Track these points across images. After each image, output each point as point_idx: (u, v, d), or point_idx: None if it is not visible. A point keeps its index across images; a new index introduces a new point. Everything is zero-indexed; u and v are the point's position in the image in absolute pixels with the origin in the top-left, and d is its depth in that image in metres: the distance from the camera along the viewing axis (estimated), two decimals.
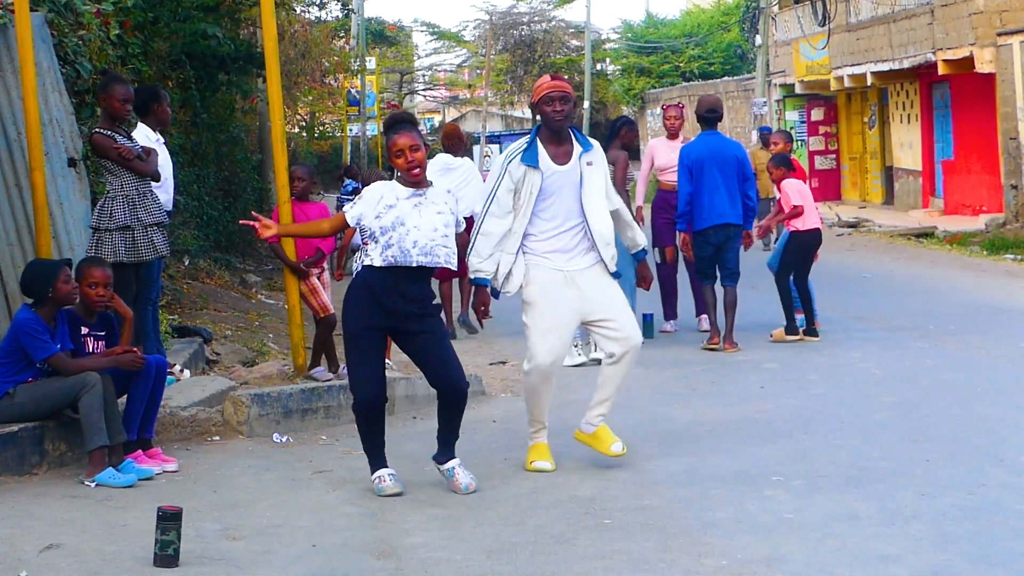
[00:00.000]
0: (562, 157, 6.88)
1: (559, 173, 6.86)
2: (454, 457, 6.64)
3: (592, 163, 6.88)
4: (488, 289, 6.91)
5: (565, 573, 5.22)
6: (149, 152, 8.22)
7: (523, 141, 6.98)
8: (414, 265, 6.43)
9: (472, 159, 13.71)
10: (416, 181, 6.54)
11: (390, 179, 6.79)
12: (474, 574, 5.24)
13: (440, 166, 12.01)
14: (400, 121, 6.65)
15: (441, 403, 6.65)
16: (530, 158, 6.85)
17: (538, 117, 6.98)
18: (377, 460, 6.60)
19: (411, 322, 6.49)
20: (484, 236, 6.88)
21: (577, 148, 6.90)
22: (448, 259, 6.53)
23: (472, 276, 6.94)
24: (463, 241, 6.86)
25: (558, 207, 6.86)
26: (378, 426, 6.58)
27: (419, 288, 6.52)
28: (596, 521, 5.92)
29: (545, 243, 6.89)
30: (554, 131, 6.88)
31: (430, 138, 47.26)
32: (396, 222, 6.44)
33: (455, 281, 12.25)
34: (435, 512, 6.16)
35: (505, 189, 6.85)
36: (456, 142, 12.48)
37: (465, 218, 11.75)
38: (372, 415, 6.53)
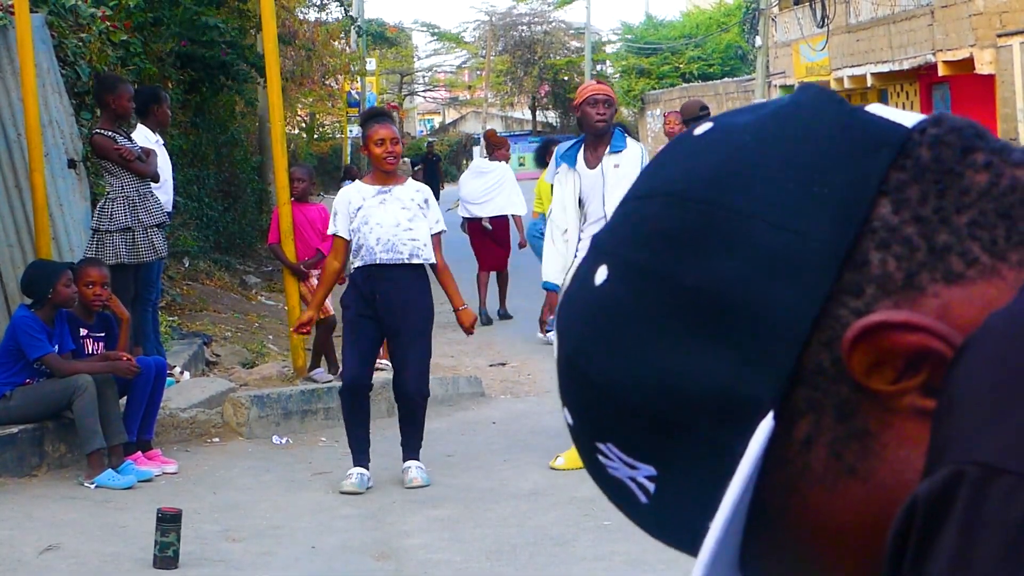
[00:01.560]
0: (593, 160, 6.90)
1: (590, 176, 6.88)
2: (415, 459, 6.68)
3: (619, 165, 6.83)
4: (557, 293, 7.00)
5: (565, 574, 5.22)
6: (149, 153, 8.23)
7: (570, 143, 7.14)
8: (378, 263, 6.54)
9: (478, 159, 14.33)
10: (388, 173, 6.65)
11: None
12: (473, 575, 5.24)
13: (473, 170, 12.96)
14: (382, 114, 6.94)
15: (396, 404, 6.74)
16: (569, 159, 6.94)
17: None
18: (358, 455, 6.62)
19: (392, 312, 6.55)
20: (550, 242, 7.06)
21: (606, 150, 6.91)
22: (414, 254, 6.59)
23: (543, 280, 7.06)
24: (444, 274, 6.86)
25: (592, 210, 6.90)
26: (361, 415, 6.62)
27: (399, 278, 6.57)
28: (596, 522, 5.91)
29: (582, 244, 6.95)
30: (595, 134, 6.90)
31: (428, 138, 47.33)
32: (362, 222, 6.59)
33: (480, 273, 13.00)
34: (434, 514, 6.16)
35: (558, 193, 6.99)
36: (492, 146, 13.21)
37: (497, 217, 12.69)
38: (354, 399, 6.59)
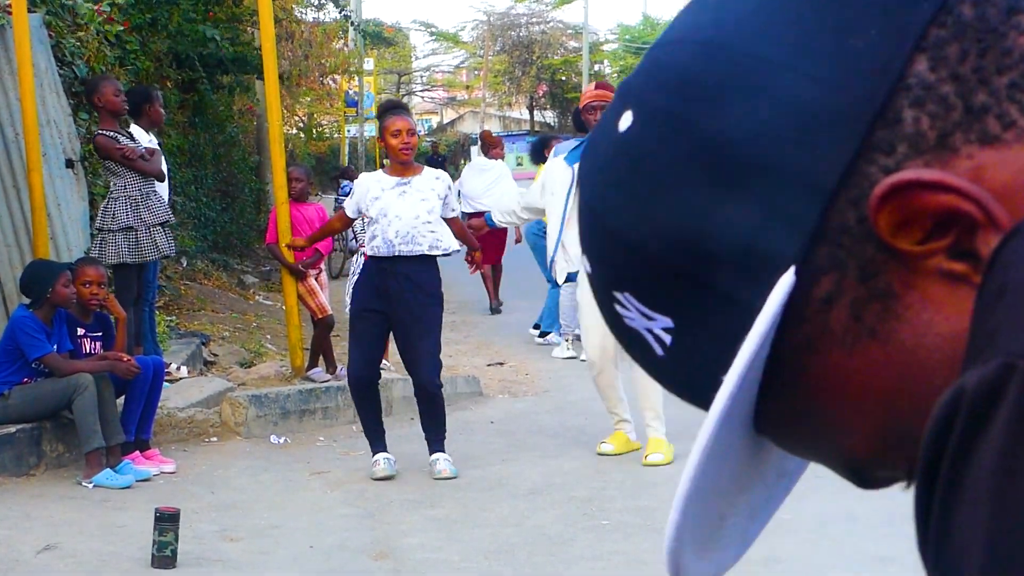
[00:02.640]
0: None
1: None
2: (440, 451, 6.84)
3: None
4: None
5: (563, 574, 5.22)
6: (153, 152, 8.24)
7: (575, 144, 7.27)
8: (396, 255, 6.66)
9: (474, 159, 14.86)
10: (404, 163, 6.73)
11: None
12: (472, 575, 5.24)
13: (474, 167, 14.23)
14: (399, 106, 7.07)
15: (416, 398, 6.91)
16: (572, 158, 7.05)
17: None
18: (375, 443, 6.82)
19: (405, 307, 6.66)
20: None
21: None
22: (433, 246, 6.72)
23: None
24: (460, 229, 7.02)
25: None
26: (371, 406, 6.81)
27: (414, 272, 6.69)
28: (594, 522, 5.92)
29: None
30: None
31: (427, 139, 47.40)
32: (380, 214, 6.71)
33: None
34: (432, 513, 6.16)
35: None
36: (488, 145, 14.49)
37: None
38: (361, 392, 6.79)
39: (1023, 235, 0.60)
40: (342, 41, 31.02)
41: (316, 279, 9.41)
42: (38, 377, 6.82)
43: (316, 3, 25.65)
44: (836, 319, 0.66)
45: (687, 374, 0.72)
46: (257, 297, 14.85)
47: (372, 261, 6.75)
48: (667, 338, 0.71)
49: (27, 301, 6.92)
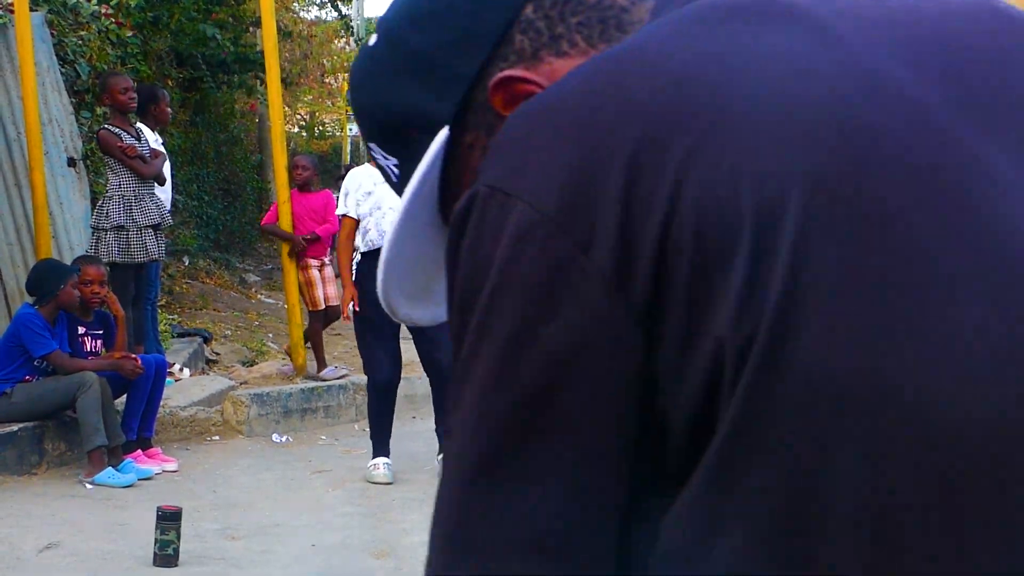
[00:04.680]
0: None
1: None
2: None
3: None
4: None
5: None
6: (157, 155, 8.22)
7: None
8: None
9: None
10: None
11: None
12: None
13: None
14: None
15: (434, 389, 6.84)
16: None
17: None
18: (380, 446, 6.78)
19: None
20: None
21: None
22: None
23: None
24: None
25: None
26: (390, 409, 6.78)
27: None
28: None
29: None
30: None
31: None
32: (374, 207, 6.67)
33: None
34: None
35: None
36: None
37: None
38: (387, 395, 6.74)
39: (520, 113, 0.96)
40: (343, 40, 30.96)
41: (320, 271, 9.35)
42: (40, 375, 6.82)
43: (319, 1, 25.62)
44: (474, 158, 1.08)
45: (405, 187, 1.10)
46: (259, 296, 14.85)
47: (366, 258, 6.65)
48: (397, 171, 1.15)
49: (30, 300, 6.93)
